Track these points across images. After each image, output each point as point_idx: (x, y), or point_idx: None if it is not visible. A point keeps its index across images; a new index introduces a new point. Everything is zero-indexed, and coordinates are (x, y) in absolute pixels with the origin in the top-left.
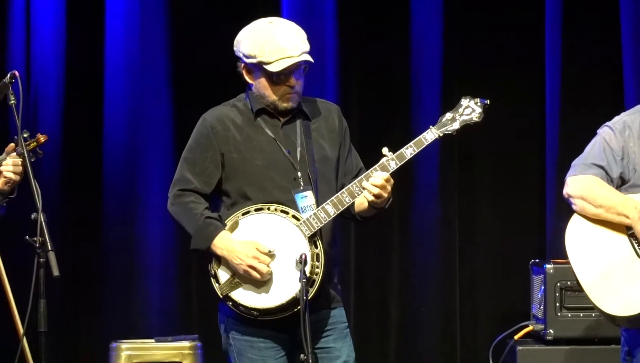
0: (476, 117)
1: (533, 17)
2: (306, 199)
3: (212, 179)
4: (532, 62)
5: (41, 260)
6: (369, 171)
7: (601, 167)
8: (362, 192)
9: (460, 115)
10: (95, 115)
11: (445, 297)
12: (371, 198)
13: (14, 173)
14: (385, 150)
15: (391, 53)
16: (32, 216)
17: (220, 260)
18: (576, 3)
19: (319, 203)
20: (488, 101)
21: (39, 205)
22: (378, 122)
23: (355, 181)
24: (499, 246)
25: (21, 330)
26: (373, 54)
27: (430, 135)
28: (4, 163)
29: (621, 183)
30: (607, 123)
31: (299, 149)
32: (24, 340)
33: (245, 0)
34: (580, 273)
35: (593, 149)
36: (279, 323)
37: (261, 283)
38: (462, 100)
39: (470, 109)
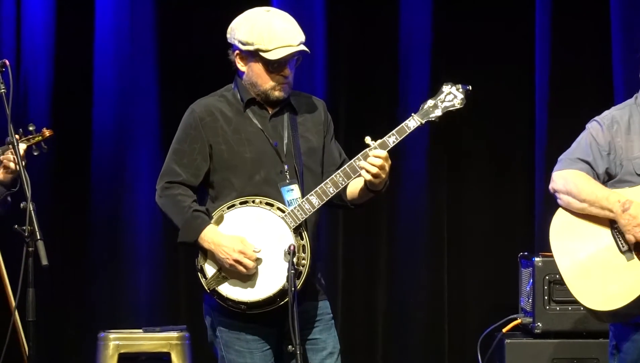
0: (458, 103)
1: (523, 6)
2: (292, 192)
3: (200, 171)
4: (521, 53)
5: (30, 249)
6: (358, 155)
7: (587, 162)
8: (344, 183)
9: (442, 101)
10: (85, 105)
11: (434, 290)
12: (369, 177)
13: (15, 162)
14: (368, 139)
15: (379, 41)
16: (21, 205)
17: (207, 254)
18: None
19: (304, 196)
20: (470, 87)
21: (28, 194)
22: (366, 110)
23: (339, 171)
24: (487, 239)
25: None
26: (361, 42)
27: (412, 122)
28: (4, 153)
29: (608, 178)
30: (596, 118)
31: (285, 141)
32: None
33: None
34: (563, 268)
35: (579, 144)
36: (265, 316)
37: (248, 276)
38: (444, 86)
39: (452, 95)
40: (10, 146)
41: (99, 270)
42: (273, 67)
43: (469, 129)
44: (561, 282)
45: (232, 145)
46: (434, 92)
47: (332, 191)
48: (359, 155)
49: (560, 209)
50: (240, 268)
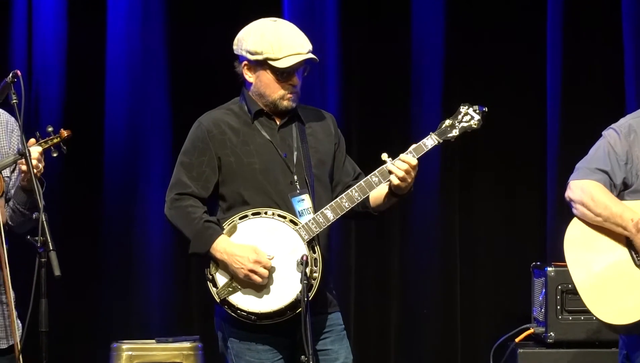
0: (475, 124)
1: (534, 19)
2: (303, 202)
3: (209, 184)
4: (533, 64)
5: (42, 259)
6: (375, 171)
7: (605, 172)
8: (359, 198)
9: (460, 122)
10: (97, 113)
11: (446, 300)
12: (397, 181)
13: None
14: (384, 156)
15: (392, 56)
16: (34, 215)
17: (219, 264)
18: (578, 7)
19: (315, 206)
20: (486, 109)
21: (41, 205)
22: (378, 125)
23: (355, 186)
24: (500, 249)
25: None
26: (374, 56)
27: (430, 141)
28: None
29: (624, 188)
30: (613, 125)
31: (295, 153)
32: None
33: (247, 1)
34: (577, 279)
35: (597, 153)
36: (277, 327)
37: (260, 287)
38: (461, 107)
39: (469, 116)
40: (22, 157)
41: (111, 280)
42: (282, 76)
43: (481, 138)
44: (574, 292)
45: (240, 157)
46: (446, 108)
47: (347, 206)
48: (375, 171)
49: (575, 219)
50: (255, 277)
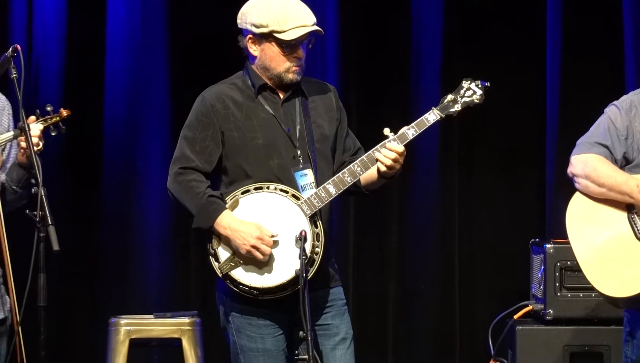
0: (477, 99)
1: (533, 7)
2: (306, 177)
3: (213, 158)
4: (533, 43)
5: (41, 234)
6: (377, 146)
7: (605, 146)
8: (362, 172)
9: (462, 97)
10: (96, 90)
11: (445, 276)
12: (384, 168)
13: (37, 137)
14: (387, 131)
15: (391, 32)
16: (33, 190)
17: (221, 239)
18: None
19: (318, 181)
20: (488, 83)
21: (40, 179)
22: (378, 99)
23: (357, 161)
24: (498, 226)
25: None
26: (373, 33)
27: (432, 116)
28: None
29: (625, 163)
30: (614, 102)
31: (298, 127)
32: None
33: None
34: (579, 254)
35: (598, 128)
36: (278, 302)
37: (262, 262)
38: (463, 82)
39: (471, 91)
40: (22, 131)
41: (109, 256)
42: (287, 48)
43: (481, 117)
44: (573, 269)
45: (244, 131)
46: (445, 82)
47: (350, 181)
48: (377, 146)
49: (577, 193)
50: (258, 254)
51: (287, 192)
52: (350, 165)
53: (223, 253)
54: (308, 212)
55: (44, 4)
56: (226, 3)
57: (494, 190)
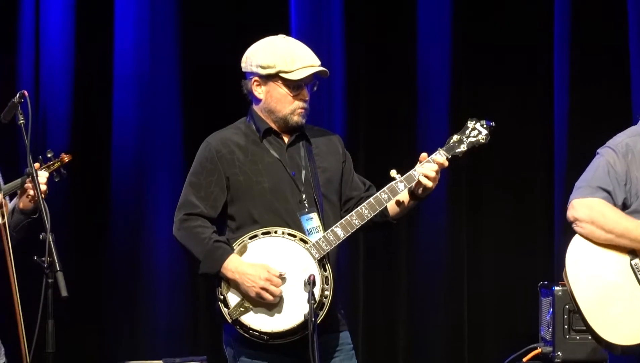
0: (482, 139)
1: (541, 30)
2: (312, 221)
3: (218, 203)
4: (540, 81)
5: (49, 280)
6: (384, 188)
7: (607, 191)
8: (370, 215)
9: (467, 137)
10: (104, 133)
11: (453, 318)
12: (425, 181)
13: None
14: (393, 172)
15: (398, 74)
16: (41, 236)
17: (230, 284)
18: (585, 20)
19: (324, 224)
20: (493, 123)
21: (48, 225)
22: (385, 138)
23: (364, 203)
24: (507, 268)
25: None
26: (380, 70)
27: (439, 157)
28: (28, 180)
29: (622, 209)
30: (609, 144)
31: (303, 171)
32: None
33: (255, 20)
34: (579, 298)
35: (598, 172)
36: (287, 346)
37: (271, 306)
38: (469, 122)
39: (476, 131)
40: (29, 177)
41: (119, 301)
42: (294, 89)
43: (489, 154)
44: None
45: (250, 176)
46: (453, 120)
47: (357, 224)
48: (384, 188)
49: (576, 237)
50: (267, 295)
51: (295, 236)
52: (358, 208)
53: (232, 299)
54: (317, 256)
55: (51, 46)
56: (235, 44)
57: (503, 232)
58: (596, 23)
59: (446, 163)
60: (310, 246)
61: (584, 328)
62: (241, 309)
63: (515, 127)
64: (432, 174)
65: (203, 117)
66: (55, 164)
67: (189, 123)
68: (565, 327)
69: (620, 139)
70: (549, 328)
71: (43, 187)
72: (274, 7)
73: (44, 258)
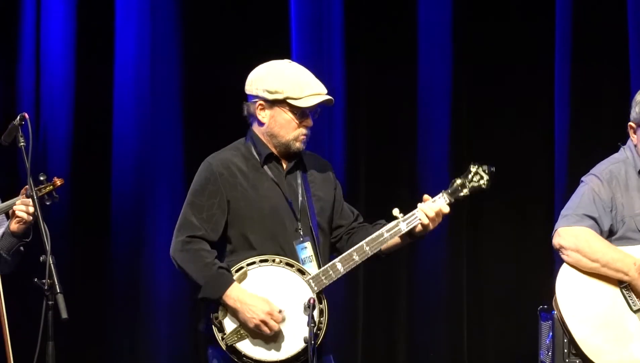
0: (484, 184)
1: (542, 51)
2: (306, 250)
3: (219, 227)
4: (541, 99)
5: (50, 302)
6: (386, 226)
7: (593, 219)
8: (370, 253)
9: (470, 181)
10: (104, 156)
11: (453, 342)
12: (427, 221)
13: (26, 212)
14: (396, 211)
15: (399, 92)
16: (41, 258)
17: (228, 310)
18: (585, 37)
19: (318, 254)
20: (494, 168)
21: (48, 247)
22: (386, 162)
23: (366, 240)
24: (507, 291)
25: None
26: (381, 93)
27: (441, 202)
28: (16, 203)
29: (609, 235)
30: (593, 172)
31: (300, 199)
32: None
33: (255, 40)
34: (573, 327)
35: (583, 200)
36: None
37: (269, 336)
38: (471, 166)
39: (478, 176)
40: (30, 199)
41: (118, 321)
42: (300, 116)
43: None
44: None
45: (250, 201)
46: (454, 145)
47: (358, 259)
48: (387, 226)
49: (564, 266)
50: (265, 329)
51: (292, 266)
52: (359, 244)
53: (229, 325)
54: (316, 289)
55: (51, 68)
56: (237, 64)
57: (502, 254)
58: (597, 39)
59: (448, 209)
60: (309, 279)
61: None
62: (237, 336)
63: (515, 145)
64: (432, 214)
65: (203, 138)
66: (47, 188)
67: (189, 144)
68: (565, 350)
69: (603, 167)
70: (548, 352)
71: (31, 209)
72: (274, 27)
73: (44, 280)
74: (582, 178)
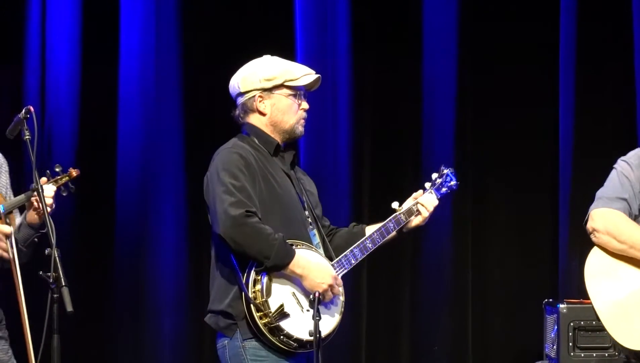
0: (455, 186)
1: (547, 52)
2: (316, 237)
3: (258, 208)
4: (546, 98)
5: (55, 295)
6: (390, 217)
7: (624, 200)
8: (380, 241)
9: (444, 181)
10: (109, 150)
11: (457, 336)
12: (426, 213)
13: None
14: (395, 204)
15: (403, 90)
16: (46, 251)
17: (271, 288)
18: (590, 38)
19: (325, 242)
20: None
21: (53, 241)
22: (390, 159)
23: (376, 231)
24: (511, 285)
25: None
26: (385, 88)
27: (431, 196)
28: (34, 194)
29: (637, 217)
30: (623, 157)
31: (303, 191)
32: None
33: (259, 37)
34: (599, 307)
35: (613, 182)
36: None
37: (303, 315)
38: (443, 169)
39: (449, 178)
40: (48, 189)
41: (123, 314)
42: (298, 98)
43: (492, 174)
44: (586, 328)
45: (272, 187)
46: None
47: (371, 247)
48: (390, 218)
49: (595, 249)
50: (330, 294)
51: (315, 250)
52: (369, 234)
53: (274, 304)
54: (338, 273)
55: (56, 62)
56: (241, 61)
57: (506, 249)
58: (602, 41)
59: (437, 202)
60: (333, 264)
61: (589, 345)
62: (281, 314)
63: (520, 141)
64: (431, 207)
65: (207, 133)
66: (63, 179)
67: (193, 139)
68: (570, 344)
69: (632, 153)
70: (553, 345)
71: (50, 201)
72: (279, 23)
73: (49, 274)
74: (614, 165)
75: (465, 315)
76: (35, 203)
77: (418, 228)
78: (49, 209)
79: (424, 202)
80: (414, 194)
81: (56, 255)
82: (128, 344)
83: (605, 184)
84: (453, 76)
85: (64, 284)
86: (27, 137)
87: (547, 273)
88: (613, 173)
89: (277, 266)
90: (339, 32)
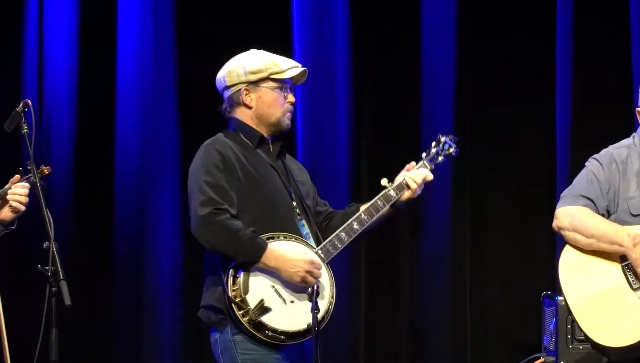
0: (454, 152)
1: (544, 51)
2: (304, 228)
3: (234, 202)
4: (543, 93)
5: (53, 289)
6: (379, 195)
7: (590, 199)
8: (369, 221)
9: (442, 150)
10: (107, 144)
11: (456, 330)
12: (414, 186)
13: (20, 202)
14: (384, 181)
15: (402, 85)
16: (44, 245)
17: (249, 284)
18: (587, 37)
19: (315, 231)
20: (457, 139)
21: (51, 234)
22: (388, 155)
23: (362, 211)
24: (510, 278)
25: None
26: (383, 85)
27: (424, 169)
28: (9, 191)
29: (607, 216)
30: (595, 156)
31: (291, 182)
32: None
33: (257, 34)
34: (573, 304)
35: (580, 181)
36: (288, 350)
37: (287, 308)
38: (441, 136)
39: (447, 145)
40: (32, 186)
41: (122, 311)
42: (284, 91)
43: (492, 166)
44: None
45: (254, 181)
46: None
47: (358, 229)
48: (379, 196)
49: (567, 246)
50: (310, 279)
51: (298, 239)
52: (356, 215)
53: (252, 300)
54: (325, 259)
55: (54, 56)
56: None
57: (505, 243)
58: (599, 39)
59: (431, 176)
60: (318, 250)
61: None
62: (261, 309)
63: (518, 135)
64: (419, 181)
65: (204, 126)
66: (36, 176)
67: (190, 133)
68: (569, 336)
69: (605, 151)
70: (552, 338)
71: (24, 199)
72: (276, 18)
73: (47, 267)
74: (586, 162)
75: (463, 308)
76: (11, 199)
77: (413, 200)
78: (23, 207)
79: (412, 176)
80: (407, 166)
81: (54, 249)
82: (127, 337)
83: (573, 182)
84: (452, 74)
85: (62, 278)
86: (24, 131)
87: (545, 269)
88: (583, 172)
89: (248, 261)
90: (337, 30)
